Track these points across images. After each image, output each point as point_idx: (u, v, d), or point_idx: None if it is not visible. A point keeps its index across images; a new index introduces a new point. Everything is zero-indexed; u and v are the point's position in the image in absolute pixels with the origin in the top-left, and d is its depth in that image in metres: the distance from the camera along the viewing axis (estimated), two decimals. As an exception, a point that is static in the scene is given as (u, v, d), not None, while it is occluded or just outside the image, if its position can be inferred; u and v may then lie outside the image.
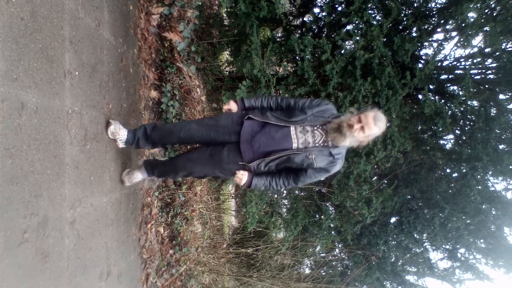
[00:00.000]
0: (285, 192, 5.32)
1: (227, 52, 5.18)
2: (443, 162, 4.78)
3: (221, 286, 5.45)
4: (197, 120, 2.93)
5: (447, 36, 4.05)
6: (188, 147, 3.71)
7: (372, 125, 2.32)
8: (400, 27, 4.14)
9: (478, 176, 4.39)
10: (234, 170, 2.51)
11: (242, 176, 2.48)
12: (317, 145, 2.42)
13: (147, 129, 2.69)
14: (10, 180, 1.64)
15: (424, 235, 5.09)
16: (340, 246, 5.74)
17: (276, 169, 2.51)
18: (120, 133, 2.64)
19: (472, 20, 3.77)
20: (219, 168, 2.57)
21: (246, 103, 2.62)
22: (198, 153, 2.65)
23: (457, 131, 4.59)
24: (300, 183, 2.56)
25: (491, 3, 3.91)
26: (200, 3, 3.98)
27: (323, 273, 5.68)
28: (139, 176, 2.84)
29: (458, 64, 4.42)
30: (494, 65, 4.31)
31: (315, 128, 2.44)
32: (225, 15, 4.65)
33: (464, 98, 4.09)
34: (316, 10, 4.52)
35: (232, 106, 2.62)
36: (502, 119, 4.07)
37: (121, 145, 2.72)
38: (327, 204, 4.94)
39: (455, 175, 4.82)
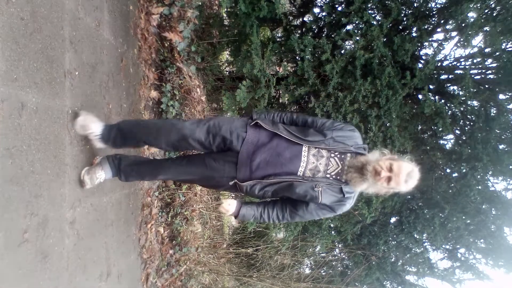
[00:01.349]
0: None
1: (227, 52, 5.18)
2: (443, 162, 4.79)
3: (221, 286, 5.45)
4: (191, 121, 2.27)
5: (447, 36, 4.04)
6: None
7: (402, 181, 1.93)
8: (400, 27, 4.14)
9: (478, 176, 4.39)
10: (225, 185, 2.13)
11: (229, 207, 2.16)
12: (327, 176, 2.01)
13: (127, 126, 2.23)
14: (10, 180, 1.64)
15: (424, 235, 5.09)
16: (340, 246, 5.75)
17: (272, 196, 2.12)
18: (92, 127, 2.15)
19: (472, 20, 3.77)
20: (209, 179, 2.16)
21: (254, 115, 2.19)
22: (188, 159, 2.23)
23: (457, 131, 4.59)
24: (298, 218, 2.18)
25: (491, 3, 3.90)
26: (200, 3, 3.97)
27: (323, 273, 5.68)
28: (101, 174, 2.26)
29: (458, 64, 4.42)
30: (494, 65, 4.30)
31: (333, 155, 2.02)
32: (225, 15, 4.65)
33: (464, 98, 4.09)
34: (316, 10, 4.52)
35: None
36: (502, 119, 4.07)
37: (98, 144, 2.24)
38: (327, 204, 4.93)
39: (455, 175, 4.82)
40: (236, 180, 2.07)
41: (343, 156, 2.03)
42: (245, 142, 2.05)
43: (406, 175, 1.93)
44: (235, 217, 2.19)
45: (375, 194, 2.12)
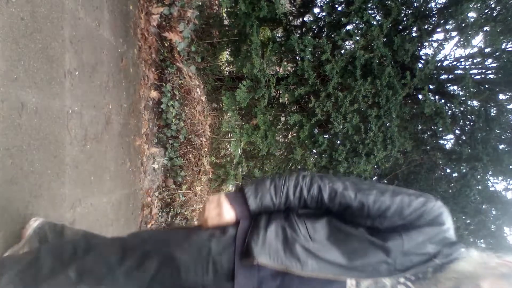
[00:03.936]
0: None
1: (227, 52, 5.18)
2: (443, 162, 4.78)
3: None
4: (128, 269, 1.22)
5: (447, 36, 4.04)
6: None
7: None
8: (400, 27, 4.14)
9: (478, 176, 4.39)
10: None
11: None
12: None
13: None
14: (10, 180, 1.64)
15: (424, 235, 5.08)
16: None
17: None
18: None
19: (472, 20, 3.77)
20: None
21: (252, 204, 1.21)
22: None
23: (457, 131, 4.59)
24: None
25: (491, 3, 3.91)
26: (200, 3, 3.98)
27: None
28: None
29: (458, 64, 4.42)
30: (494, 65, 4.31)
31: (402, 279, 1.12)
32: (225, 15, 4.65)
33: (464, 98, 4.09)
34: (316, 10, 4.52)
35: (226, 216, 1.22)
36: (502, 119, 4.07)
37: None
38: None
39: (455, 175, 4.81)
40: None
41: (420, 276, 1.13)
42: None
43: None
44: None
45: None
